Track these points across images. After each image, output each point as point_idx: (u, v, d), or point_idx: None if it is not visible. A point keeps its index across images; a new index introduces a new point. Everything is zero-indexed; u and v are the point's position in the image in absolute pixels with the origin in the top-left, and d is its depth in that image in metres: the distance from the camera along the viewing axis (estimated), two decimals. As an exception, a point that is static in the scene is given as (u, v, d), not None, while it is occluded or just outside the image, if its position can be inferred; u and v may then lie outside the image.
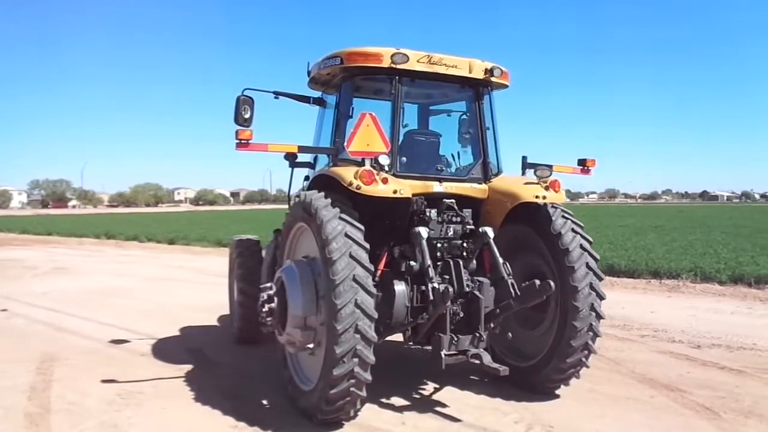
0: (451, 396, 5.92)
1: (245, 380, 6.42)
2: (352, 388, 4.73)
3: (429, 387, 6.20)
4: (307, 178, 6.82)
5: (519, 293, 5.28)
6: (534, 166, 6.24)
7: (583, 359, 5.66)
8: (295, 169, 6.75)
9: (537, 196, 5.64)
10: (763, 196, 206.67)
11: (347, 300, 4.57)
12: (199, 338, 8.51)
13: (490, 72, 5.92)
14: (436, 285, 5.04)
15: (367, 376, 4.74)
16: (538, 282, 5.15)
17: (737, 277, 13.07)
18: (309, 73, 6.52)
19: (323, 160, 6.56)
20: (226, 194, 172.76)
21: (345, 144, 5.32)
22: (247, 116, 6.00)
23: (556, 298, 5.58)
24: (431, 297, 4.98)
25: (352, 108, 5.90)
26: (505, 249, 5.80)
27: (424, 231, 5.33)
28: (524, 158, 6.29)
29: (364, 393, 4.86)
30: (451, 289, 4.79)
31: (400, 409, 5.54)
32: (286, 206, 6.46)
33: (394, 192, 5.10)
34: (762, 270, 13.15)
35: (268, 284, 5.36)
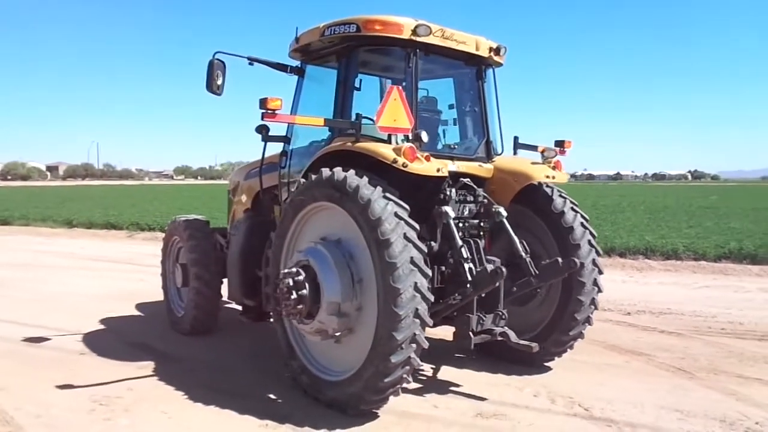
0: (456, 375, 5.90)
1: (231, 375, 5.84)
2: (404, 375, 4.52)
3: (427, 368, 6.11)
4: (284, 152, 6.30)
5: (538, 271, 5.39)
6: (524, 146, 6.39)
7: (583, 331, 5.96)
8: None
9: (547, 176, 5.76)
10: (572, 176, 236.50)
11: (408, 284, 4.33)
12: (135, 331, 7.58)
13: (495, 51, 5.87)
14: (471, 266, 4.98)
15: (419, 361, 4.56)
16: (560, 260, 5.30)
17: (609, 249, 14.64)
18: (297, 39, 5.99)
19: (304, 134, 6.14)
20: (42, 168, 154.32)
21: (374, 119, 4.97)
22: (219, 82, 5.60)
23: None
24: (469, 278, 4.90)
25: (360, 81, 5.57)
26: (496, 228, 5.85)
27: (450, 210, 5.20)
28: (516, 138, 6.39)
29: (411, 379, 4.68)
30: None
31: (419, 392, 5.42)
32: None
33: (438, 170, 4.90)
34: (631, 242, 14.85)
35: (293, 269, 4.88)
